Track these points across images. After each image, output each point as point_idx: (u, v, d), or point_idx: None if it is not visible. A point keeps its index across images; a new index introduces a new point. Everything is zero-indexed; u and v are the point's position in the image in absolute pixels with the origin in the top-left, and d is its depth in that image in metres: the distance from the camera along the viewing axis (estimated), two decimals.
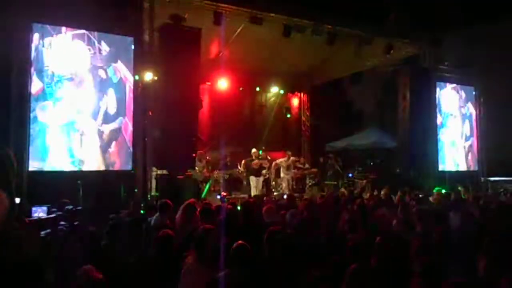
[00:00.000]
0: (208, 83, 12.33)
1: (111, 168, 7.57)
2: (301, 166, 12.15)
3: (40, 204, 5.56)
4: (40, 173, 6.89)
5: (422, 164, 10.82)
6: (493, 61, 11.37)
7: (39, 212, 5.37)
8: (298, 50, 10.88)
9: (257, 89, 13.80)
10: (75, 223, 4.06)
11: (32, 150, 6.90)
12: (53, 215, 4.95)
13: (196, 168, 9.38)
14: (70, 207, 5.06)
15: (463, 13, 10.24)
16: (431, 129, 11.23)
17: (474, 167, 12.42)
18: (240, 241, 2.97)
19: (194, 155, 8.71)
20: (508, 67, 10.92)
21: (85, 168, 7.35)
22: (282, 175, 11.44)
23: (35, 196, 6.05)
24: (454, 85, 12.22)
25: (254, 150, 11.14)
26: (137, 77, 7.85)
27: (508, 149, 10.95)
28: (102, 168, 7.52)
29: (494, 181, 11.39)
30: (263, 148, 11.56)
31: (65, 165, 7.23)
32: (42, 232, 3.76)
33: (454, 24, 10.60)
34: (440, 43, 10.86)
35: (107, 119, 7.61)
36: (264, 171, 10.92)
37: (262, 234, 3.32)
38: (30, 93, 6.91)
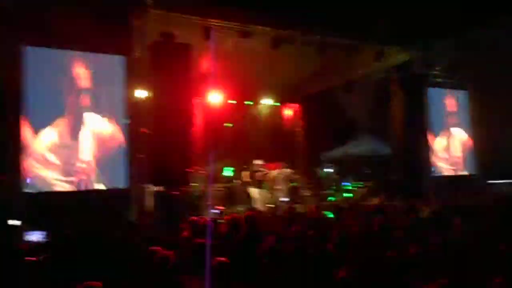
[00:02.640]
0: (201, 98, 12.35)
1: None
2: (292, 177, 12.11)
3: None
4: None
5: (416, 170, 10.82)
6: (485, 64, 11.45)
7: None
8: (289, 61, 10.95)
9: (250, 102, 13.84)
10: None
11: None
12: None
13: (193, 183, 9.33)
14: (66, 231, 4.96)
15: (453, 18, 10.35)
16: (424, 135, 11.27)
17: (468, 171, 12.46)
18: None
19: (189, 170, 8.68)
20: (499, 70, 11.04)
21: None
22: (278, 187, 11.39)
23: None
24: (446, 90, 12.31)
25: (258, 161, 11.12)
26: (129, 95, 7.85)
27: (502, 152, 10.98)
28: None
29: (488, 184, 11.41)
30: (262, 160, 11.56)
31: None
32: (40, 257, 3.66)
33: (445, 30, 10.70)
34: (431, 49, 10.96)
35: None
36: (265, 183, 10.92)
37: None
38: None
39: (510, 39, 10.49)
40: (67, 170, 7.23)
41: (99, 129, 7.58)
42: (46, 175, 7.08)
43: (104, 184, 7.54)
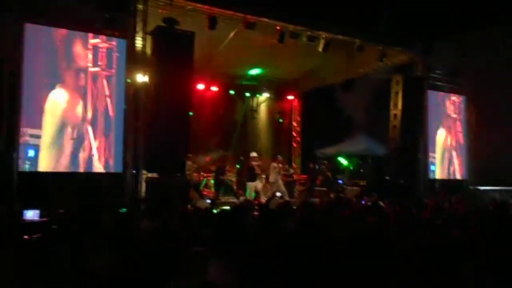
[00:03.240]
0: (200, 87, 12.31)
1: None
2: (285, 172, 12.16)
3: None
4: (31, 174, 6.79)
5: (412, 172, 10.89)
6: (484, 70, 11.51)
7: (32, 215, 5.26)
8: (290, 55, 10.91)
9: (248, 94, 13.81)
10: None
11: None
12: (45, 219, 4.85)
13: (187, 172, 9.33)
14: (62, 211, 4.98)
15: (454, 22, 10.38)
16: (422, 138, 11.32)
17: (463, 175, 12.55)
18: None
19: (184, 158, 8.67)
20: (498, 76, 11.10)
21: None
22: (272, 180, 11.44)
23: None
24: (445, 93, 12.36)
25: (254, 154, 11.12)
26: (129, 80, 7.79)
27: (498, 158, 11.05)
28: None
29: (483, 190, 11.48)
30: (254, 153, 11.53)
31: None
32: (34, 236, 3.69)
33: (445, 33, 10.74)
34: (432, 52, 10.98)
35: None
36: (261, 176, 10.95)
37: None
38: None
39: (508, 45, 10.59)
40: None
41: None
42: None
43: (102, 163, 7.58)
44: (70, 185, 6.61)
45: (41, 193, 6.10)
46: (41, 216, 5.33)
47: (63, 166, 7.20)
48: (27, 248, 3.29)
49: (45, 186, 6.47)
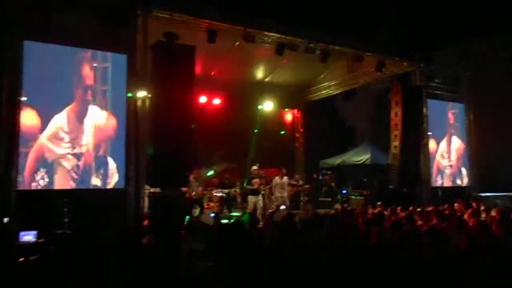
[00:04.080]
0: (202, 100, 12.33)
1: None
2: (295, 183, 12.13)
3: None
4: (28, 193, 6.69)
5: (415, 180, 10.83)
6: (482, 78, 11.60)
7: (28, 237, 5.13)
8: (291, 66, 10.96)
9: (251, 106, 13.82)
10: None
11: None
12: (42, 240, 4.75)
13: (190, 186, 9.27)
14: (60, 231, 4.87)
15: (453, 31, 10.45)
16: (423, 146, 11.30)
17: (466, 183, 12.50)
18: None
19: (188, 173, 8.60)
20: (496, 83, 11.16)
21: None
22: (276, 194, 11.34)
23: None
24: (445, 102, 12.38)
25: (255, 167, 11.04)
26: (130, 95, 7.81)
27: (499, 165, 11.02)
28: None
29: (486, 196, 11.44)
30: (257, 164, 11.47)
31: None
32: (31, 258, 3.60)
33: (444, 42, 10.80)
34: (431, 61, 11.02)
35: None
36: (262, 190, 10.84)
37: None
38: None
39: (506, 54, 10.66)
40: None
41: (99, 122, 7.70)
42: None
43: (100, 179, 7.52)
44: (69, 203, 6.49)
45: (38, 213, 5.95)
46: (38, 237, 5.18)
47: (62, 183, 7.14)
48: (23, 271, 3.21)
49: (42, 205, 6.35)
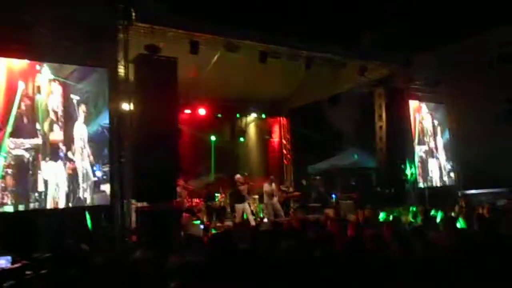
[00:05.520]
0: (187, 111, 12.27)
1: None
2: (285, 189, 12.13)
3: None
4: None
5: (401, 182, 10.95)
6: (462, 79, 11.94)
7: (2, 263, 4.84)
8: (275, 74, 10.99)
9: (237, 115, 13.81)
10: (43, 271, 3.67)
11: None
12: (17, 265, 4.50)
13: (178, 198, 9.17)
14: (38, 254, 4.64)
15: (431, 35, 10.72)
16: (408, 147, 11.45)
17: (451, 182, 12.78)
18: None
19: (175, 185, 8.50)
20: (475, 84, 11.57)
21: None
22: (265, 201, 11.33)
23: None
24: (427, 103, 12.61)
25: (238, 175, 11.00)
26: (112, 108, 7.72)
27: (483, 163, 11.25)
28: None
29: (471, 194, 11.65)
30: (245, 174, 11.43)
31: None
32: (5, 284, 3.41)
33: (423, 45, 11.06)
34: (410, 64, 11.22)
35: None
36: (247, 198, 10.80)
37: None
38: None
39: (484, 56, 11.02)
40: None
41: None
42: None
43: (83, 196, 7.38)
44: (49, 223, 6.25)
45: (13, 235, 5.67)
46: (12, 261, 4.89)
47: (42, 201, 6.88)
48: None
49: (18, 226, 6.05)
